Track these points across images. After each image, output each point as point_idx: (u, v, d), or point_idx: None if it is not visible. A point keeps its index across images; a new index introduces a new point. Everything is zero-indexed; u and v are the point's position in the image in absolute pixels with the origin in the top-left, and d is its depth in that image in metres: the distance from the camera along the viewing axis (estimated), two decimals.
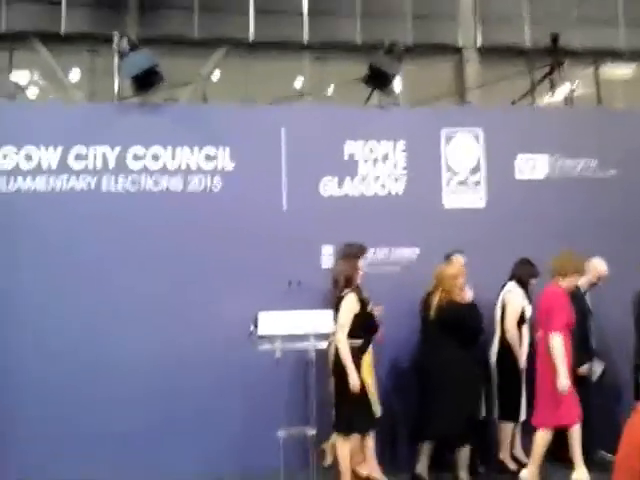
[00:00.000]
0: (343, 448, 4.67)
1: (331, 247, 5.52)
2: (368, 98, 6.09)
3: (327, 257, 5.55)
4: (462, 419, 4.81)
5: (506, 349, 5.21)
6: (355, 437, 4.78)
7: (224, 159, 5.58)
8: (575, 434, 4.75)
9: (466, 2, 10.79)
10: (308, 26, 11.35)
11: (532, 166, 5.92)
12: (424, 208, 5.72)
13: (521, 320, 5.27)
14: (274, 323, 4.20)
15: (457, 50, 9.77)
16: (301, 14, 11.32)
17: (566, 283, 4.88)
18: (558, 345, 4.64)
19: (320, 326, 4.27)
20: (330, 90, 9.66)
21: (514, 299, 5.28)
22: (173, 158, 5.54)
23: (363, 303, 4.72)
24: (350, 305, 4.67)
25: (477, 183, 5.85)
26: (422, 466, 4.94)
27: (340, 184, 5.67)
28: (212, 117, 5.77)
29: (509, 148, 5.88)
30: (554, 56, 7.98)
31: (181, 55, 10.17)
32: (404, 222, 5.63)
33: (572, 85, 7.70)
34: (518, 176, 5.90)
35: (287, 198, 5.55)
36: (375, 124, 5.77)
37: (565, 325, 4.73)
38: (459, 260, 5.27)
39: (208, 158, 5.58)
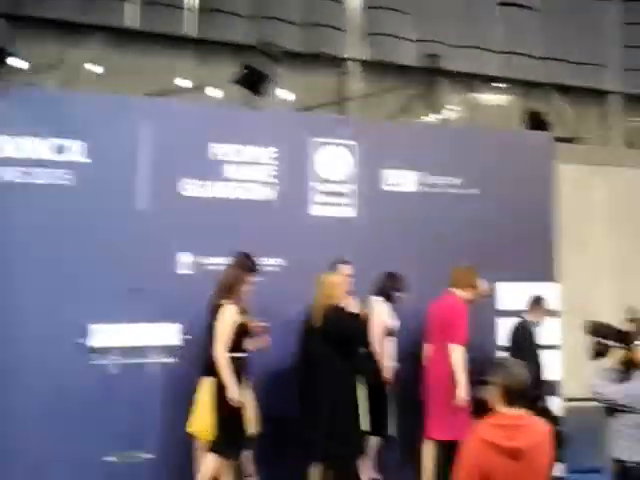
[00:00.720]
0: (209, 465, 4.48)
1: (189, 254, 5.23)
2: (253, 99, 5.86)
3: (183, 264, 5.23)
4: (349, 436, 4.71)
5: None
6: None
7: (78, 151, 5.14)
8: None
9: (354, 15, 10.87)
10: (197, 22, 10.98)
11: (401, 180, 5.93)
12: (291, 217, 5.58)
13: (386, 333, 5.26)
14: (108, 335, 3.84)
15: (341, 60, 9.79)
16: (190, 9, 10.94)
17: (464, 296, 5.02)
18: (460, 357, 4.65)
19: (163, 339, 3.97)
20: (210, 89, 9.35)
21: (378, 314, 5.28)
22: (19, 148, 5.03)
23: (244, 316, 4.58)
24: (229, 316, 4.51)
25: (347, 194, 5.78)
26: None
27: (203, 186, 5.40)
28: (69, 106, 5.30)
29: (379, 161, 5.87)
30: (432, 76, 8.20)
31: (53, 38, 9.50)
32: (270, 230, 5.44)
33: (448, 106, 7.92)
34: (387, 188, 5.88)
35: (143, 198, 5.19)
36: (246, 127, 5.57)
37: (465, 338, 4.84)
38: (344, 269, 5.21)
39: (61, 150, 5.12)
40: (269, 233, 5.42)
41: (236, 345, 4.52)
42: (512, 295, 6.14)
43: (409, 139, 6.04)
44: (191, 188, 5.37)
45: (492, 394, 2.99)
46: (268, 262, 5.44)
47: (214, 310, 4.57)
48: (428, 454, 4.87)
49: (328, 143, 5.76)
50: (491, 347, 5.99)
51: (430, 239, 5.85)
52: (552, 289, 6.33)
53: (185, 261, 5.24)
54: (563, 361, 6.31)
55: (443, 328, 4.95)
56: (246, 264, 4.83)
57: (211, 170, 5.43)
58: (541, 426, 2.98)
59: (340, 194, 5.76)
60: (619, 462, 4.17)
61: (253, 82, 5.63)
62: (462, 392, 4.71)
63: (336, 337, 4.78)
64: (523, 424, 2.89)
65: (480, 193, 6.17)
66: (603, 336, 4.79)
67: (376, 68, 9.90)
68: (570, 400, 6.31)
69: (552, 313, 6.25)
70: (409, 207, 5.89)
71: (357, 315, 4.94)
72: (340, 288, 4.88)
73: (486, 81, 10.86)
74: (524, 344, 5.75)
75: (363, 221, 5.74)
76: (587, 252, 9.71)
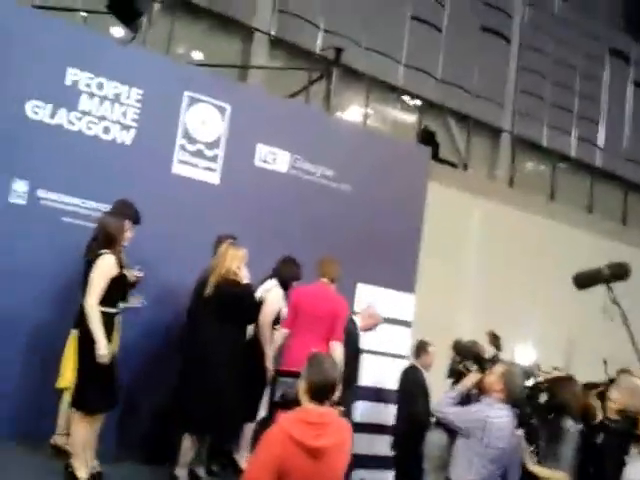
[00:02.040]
0: (80, 427, 4.08)
1: (24, 183, 4.68)
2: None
3: (17, 194, 4.68)
4: (223, 409, 4.41)
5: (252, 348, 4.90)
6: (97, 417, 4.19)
7: None
8: None
9: None
10: None
11: (273, 158, 5.63)
12: (151, 169, 5.15)
13: (275, 321, 4.97)
14: None
15: (249, 30, 9.39)
16: None
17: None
18: (341, 355, 4.57)
19: None
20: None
21: (273, 299, 4.96)
22: None
23: (122, 268, 4.21)
24: (106, 267, 4.11)
25: (214, 158, 5.39)
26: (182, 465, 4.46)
27: (54, 114, 4.85)
28: None
29: (253, 134, 5.54)
30: (334, 69, 8.00)
31: None
32: (123, 176, 5.01)
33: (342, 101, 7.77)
34: (257, 163, 5.57)
35: None
36: (113, 60, 5.08)
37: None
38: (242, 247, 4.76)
39: None
40: (121, 180, 4.98)
41: (110, 299, 4.14)
42: (369, 298, 6.01)
43: (290, 118, 5.78)
44: (41, 112, 4.80)
45: (300, 388, 2.84)
46: None
47: (92, 260, 4.16)
48: None
49: (200, 100, 5.37)
50: None
51: (294, 224, 5.62)
52: (408, 300, 6.27)
53: (19, 190, 4.70)
54: None
55: (325, 322, 4.67)
56: (129, 214, 4.47)
57: (66, 98, 4.89)
58: (344, 425, 2.85)
59: (206, 157, 5.37)
60: None
61: (123, 12, 5.08)
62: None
63: (229, 308, 4.49)
64: (328, 422, 2.74)
65: (351, 190, 6.00)
66: (464, 357, 4.76)
67: (281, 46, 9.62)
68: None
69: (406, 324, 6.22)
70: (277, 187, 5.63)
71: (250, 285, 4.64)
72: (240, 262, 4.57)
73: (385, 88, 10.85)
74: (415, 390, 5.55)
75: (226, 190, 5.38)
76: (451, 275, 9.86)
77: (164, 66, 5.42)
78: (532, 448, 4.56)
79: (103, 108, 5.03)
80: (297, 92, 8.05)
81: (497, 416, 4.03)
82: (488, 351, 5.49)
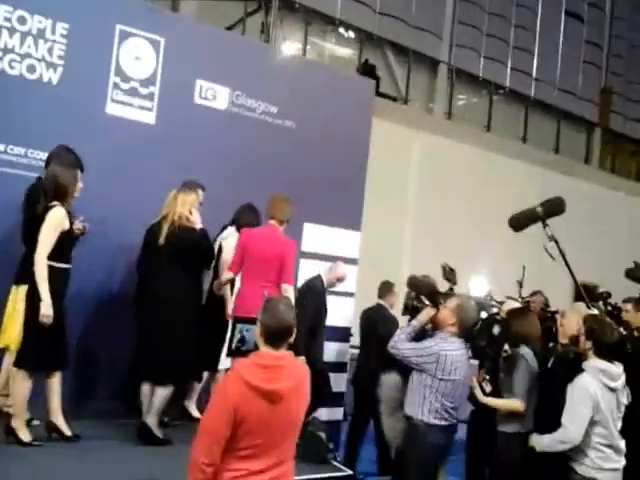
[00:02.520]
0: (23, 386, 3.89)
1: None
2: None
3: None
4: (179, 356, 4.32)
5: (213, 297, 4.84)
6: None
7: None
8: None
9: None
10: None
11: (212, 95, 5.37)
12: (82, 110, 4.81)
13: None
14: None
15: None
16: None
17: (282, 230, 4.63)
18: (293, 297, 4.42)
19: None
20: None
21: (231, 245, 4.76)
22: None
23: (71, 220, 4.03)
24: (56, 220, 3.91)
25: (149, 96, 5.09)
26: (148, 412, 4.35)
27: None
28: None
29: (191, 69, 5.26)
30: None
31: None
32: (53, 117, 4.69)
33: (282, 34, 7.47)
34: (197, 101, 5.30)
35: None
36: None
37: None
38: (199, 193, 4.62)
39: None
40: (50, 122, 4.66)
41: (62, 254, 3.95)
42: (316, 238, 5.96)
43: (229, 51, 5.49)
44: None
45: (256, 333, 2.76)
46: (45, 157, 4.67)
47: (42, 214, 3.94)
48: None
49: (133, 34, 5.02)
50: None
51: (236, 164, 5.42)
52: (355, 237, 6.24)
53: None
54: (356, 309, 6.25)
55: (274, 265, 4.48)
56: (77, 162, 4.23)
57: None
58: (301, 368, 2.80)
59: (141, 95, 5.07)
60: (407, 418, 4.20)
61: None
62: None
63: (185, 255, 4.35)
64: (283, 365, 2.66)
65: (296, 127, 5.82)
66: (419, 292, 4.73)
67: None
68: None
69: (353, 262, 6.20)
70: (217, 125, 5.38)
71: (205, 230, 4.50)
72: (191, 206, 4.44)
73: (323, 20, 10.53)
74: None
75: (162, 130, 5.12)
76: (395, 210, 9.90)
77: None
78: (486, 377, 4.63)
79: (26, 45, 4.64)
80: (233, 25, 7.70)
81: (450, 349, 4.09)
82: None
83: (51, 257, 3.88)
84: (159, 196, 4.64)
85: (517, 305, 5.37)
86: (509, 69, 13.72)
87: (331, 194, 5.90)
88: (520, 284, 5.90)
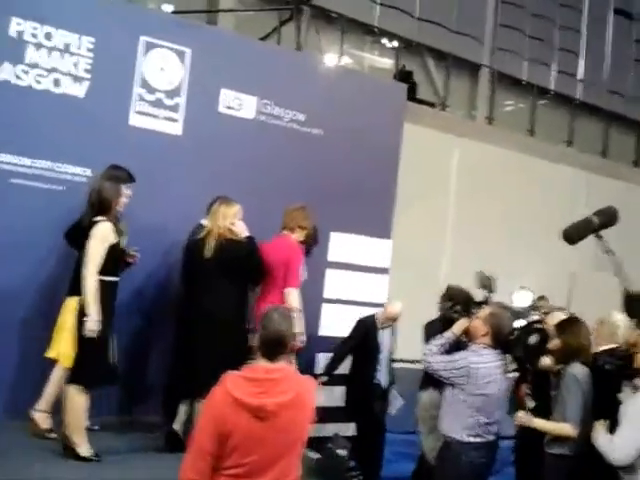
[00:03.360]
0: (80, 401, 3.87)
1: None
2: None
3: None
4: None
5: None
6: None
7: None
8: None
9: None
10: None
11: (238, 104, 5.29)
12: (107, 122, 4.79)
13: None
14: None
15: None
16: None
17: (295, 237, 4.69)
18: (296, 300, 4.45)
19: None
20: None
21: None
22: None
23: (119, 235, 4.07)
24: (103, 234, 3.95)
25: (174, 107, 5.04)
26: (179, 422, 4.32)
27: None
28: None
29: (215, 77, 5.21)
30: (302, 6, 7.55)
31: None
32: (77, 132, 4.67)
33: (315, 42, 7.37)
34: (221, 110, 5.23)
35: None
36: (60, 8, 4.66)
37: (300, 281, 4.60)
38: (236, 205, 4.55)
39: None
40: (75, 136, 4.66)
41: (108, 268, 3.95)
42: (344, 247, 5.79)
43: (255, 60, 5.40)
44: None
45: (256, 344, 2.62)
46: (72, 171, 4.67)
47: (88, 228, 3.98)
48: None
49: (158, 45, 4.98)
50: (317, 299, 5.61)
51: (263, 173, 5.32)
52: (385, 245, 6.05)
53: None
54: None
55: (279, 272, 4.54)
56: (122, 176, 4.22)
57: (11, 50, 4.51)
58: (300, 382, 2.60)
59: (166, 106, 5.02)
60: (443, 435, 3.98)
61: None
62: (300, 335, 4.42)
63: (234, 269, 4.30)
64: (276, 378, 2.48)
65: (323, 134, 5.68)
66: (455, 302, 4.50)
67: None
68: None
69: (383, 271, 6.01)
70: (243, 134, 5.30)
71: (253, 240, 4.42)
72: (232, 218, 4.39)
73: (361, 29, 10.38)
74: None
75: (189, 141, 5.05)
76: (431, 218, 9.65)
77: (116, 11, 4.96)
78: (528, 391, 4.36)
79: (52, 59, 4.64)
80: (267, 35, 7.63)
81: (482, 362, 3.83)
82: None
83: (100, 271, 3.91)
84: (187, 208, 4.65)
85: (563, 316, 5.09)
86: (554, 71, 13.29)
87: (360, 202, 5.73)
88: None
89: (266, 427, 2.42)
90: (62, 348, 4.05)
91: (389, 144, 6.06)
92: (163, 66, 5.01)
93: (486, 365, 3.82)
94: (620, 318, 4.03)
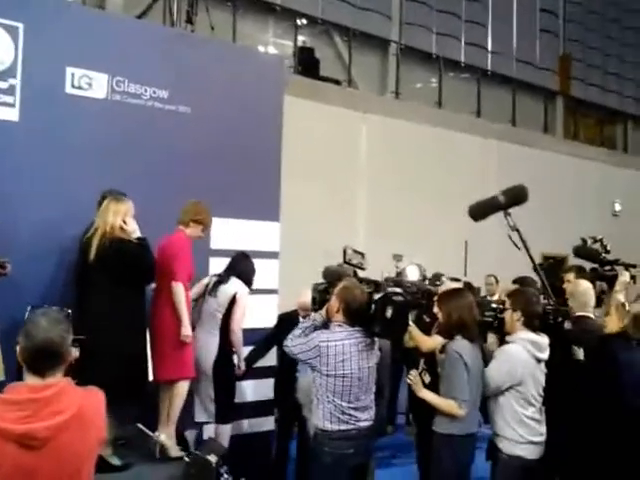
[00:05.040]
0: None
1: None
2: None
3: None
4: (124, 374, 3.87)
5: (227, 352, 4.55)
6: None
7: None
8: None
9: None
10: None
11: (87, 83, 4.61)
12: None
13: None
14: None
15: None
16: None
17: (188, 232, 4.44)
18: (181, 294, 4.21)
19: None
20: None
21: (244, 299, 4.59)
22: None
23: None
24: None
25: (9, 90, 4.34)
26: None
27: None
28: None
29: (56, 54, 4.51)
30: None
31: None
32: None
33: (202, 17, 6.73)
34: (67, 90, 4.54)
35: None
36: None
37: (188, 276, 4.35)
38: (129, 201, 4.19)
39: None
40: None
41: None
42: (228, 233, 5.21)
43: (105, 33, 4.71)
44: None
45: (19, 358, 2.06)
46: None
47: None
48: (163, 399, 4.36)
49: None
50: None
51: (123, 160, 4.67)
52: (273, 228, 5.50)
53: None
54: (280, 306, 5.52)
55: (165, 266, 4.25)
56: None
57: None
58: (81, 397, 2.04)
59: (1, 89, 4.31)
60: None
61: None
62: (186, 330, 4.23)
63: (121, 270, 3.93)
64: (46, 397, 1.95)
65: (191, 112, 5.06)
66: (330, 282, 4.08)
67: None
68: None
69: (273, 255, 5.48)
70: (95, 116, 4.62)
71: (144, 240, 4.05)
72: (124, 216, 4.03)
73: (262, 7, 9.78)
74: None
75: (29, 128, 4.36)
76: (344, 195, 9.18)
77: None
78: (425, 367, 3.99)
79: None
80: (143, 12, 6.92)
81: (332, 339, 3.38)
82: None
83: None
84: (34, 203, 4.15)
85: (455, 285, 4.73)
86: (463, 44, 12.99)
87: (240, 185, 5.17)
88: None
89: (38, 457, 1.92)
90: None
91: (269, 120, 5.47)
92: None
93: (338, 343, 3.38)
94: None
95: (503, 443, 3.51)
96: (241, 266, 4.73)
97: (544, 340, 3.58)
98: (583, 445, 3.58)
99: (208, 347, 4.51)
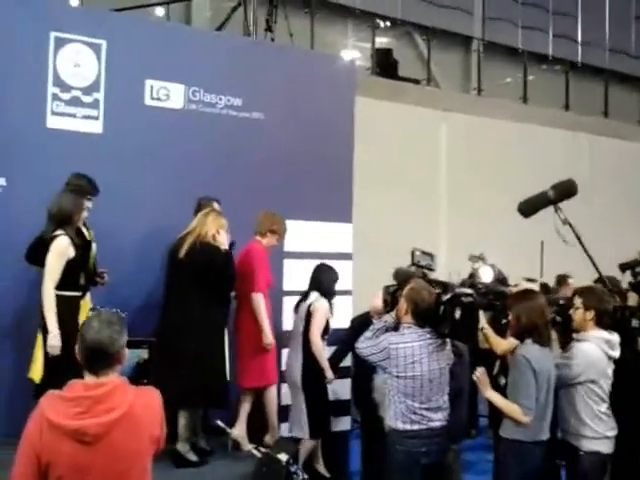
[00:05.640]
0: None
1: None
2: None
3: None
4: (207, 379, 4.03)
5: (312, 365, 4.58)
6: None
7: None
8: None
9: None
10: None
11: (165, 94, 4.80)
12: (21, 126, 4.37)
13: (325, 331, 4.67)
14: None
15: None
16: None
17: (264, 241, 4.60)
18: (261, 304, 4.38)
19: None
20: None
21: (320, 310, 4.61)
22: None
23: (79, 248, 3.89)
24: (60, 249, 3.80)
25: (94, 104, 4.59)
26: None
27: None
28: None
29: (135, 68, 4.73)
30: None
31: None
32: None
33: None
34: (146, 102, 4.75)
35: None
36: None
37: (266, 284, 4.50)
38: (215, 206, 4.48)
39: None
40: None
41: (67, 282, 3.82)
42: (302, 235, 5.26)
43: (180, 45, 4.90)
44: None
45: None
46: None
47: (48, 242, 3.83)
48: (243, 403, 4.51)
49: (70, 40, 4.52)
50: (277, 292, 5.10)
51: (202, 166, 4.86)
52: (346, 230, 5.50)
53: None
54: (355, 307, 5.51)
55: (244, 277, 4.43)
56: (84, 187, 4.08)
57: None
58: (135, 397, 2.12)
59: (84, 104, 4.57)
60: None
61: None
62: (267, 338, 4.41)
63: (204, 272, 4.09)
64: (100, 394, 2.04)
65: (265, 118, 5.15)
66: (400, 284, 4.08)
67: None
68: None
69: (346, 257, 5.48)
70: (173, 126, 4.81)
71: (230, 254, 4.23)
72: (220, 228, 4.21)
73: (339, 11, 9.79)
74: None
75: (111, 139, 4.60)
76: (425, 195, 9.03)
77: (23, 5, 4.48)
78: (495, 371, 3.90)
79: None
80: (222, 24, 7.11)
81: (402, 341, 3.39)
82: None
83: (60, 286, 3.78)
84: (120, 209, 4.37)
85: (531, 287, 4.54)
86: (551, 36, 12.47)
87: (314, 186, 5.22)
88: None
89: (93, 453, 2.00)
90: (35, 366, 3.87)
91: (340, 123, 5.48)
92: (77, 61, 4.55)
93: (407, 345, 3.39)
94: None
95: (580, 441, 3.43)
96: (321, 277, 4.77)
97: (616, 338, 3.48)
98: None
99: (295, 361, 4.64)
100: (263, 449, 3.91)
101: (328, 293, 4.72)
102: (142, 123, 4.70)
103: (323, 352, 4.63)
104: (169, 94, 4.83)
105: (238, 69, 5.06)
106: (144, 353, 3.51)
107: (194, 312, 4.09)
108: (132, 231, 4.55)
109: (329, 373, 4.65)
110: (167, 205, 4.59)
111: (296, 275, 5.15)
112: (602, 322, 3.45)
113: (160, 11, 9.07)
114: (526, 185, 9.55)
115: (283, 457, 3.64)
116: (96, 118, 4.60)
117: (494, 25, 11.80)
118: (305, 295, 4.74)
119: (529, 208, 4.05)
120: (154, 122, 4.74)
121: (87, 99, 4.58)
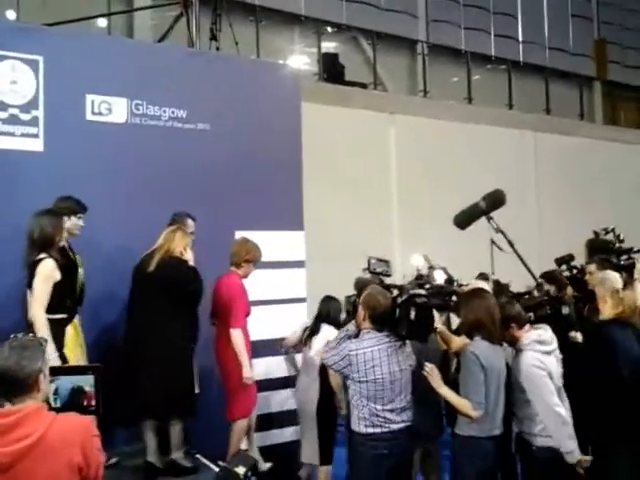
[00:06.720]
0: None
1: None
2: None
3: None
4: (170, 391, 3.96)
5: (328, 396, 4.61)
6: None
7: None
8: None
9: None
10: None
11: (107, 109, 4.71)
12: None
13: None
14: None
15: None
16: None
17: (240, 273, 4.59)
18: (239, 340, 4.37)
19: None
20: None
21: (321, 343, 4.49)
22: None
23: (66, 269, 3.81)
24: (47, 272, 3.71)
25: (32, 121, 4.48)
26: (151, 451, 4.07)
27: None
28: None
29: (75, 83, 4.62)
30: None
31: None
32: None
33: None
34: (87, 117, 4.66)
35: None
36: None
37: (245, 315, 4.51)
38: (189, 224, 4.50)
39: None
40: None
41: (53, 305, 3.73)
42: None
43: (119, 58, 4.82)
44: None
45: None
46: None
47: (32, 266, 3.73)
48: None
49: (7, 57, 4.40)
50: None
51: (147, 180, 4.77)
52: (298, 237, 5.50)
53: None
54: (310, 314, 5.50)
55: (223, 311, 4.48)
56: (65, 208, 3.99)
57: None
58: (53, 424, 2.05)
59: (23, 122, 4.45)
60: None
61: None
62: (247, 372, 4.38)
63: (172, 286, 4.06)
64: (8, 423, 1.99)
65: (211, 129, 5.11)
66: (358, 293, 4.13)
67: None
68: None
69: (299, 264, 5.49)
70: (116, 141, 4.71)
71: (194, 269, 4.19)
72: (187, 246, 4.20)
73: (285, 17, 9.80)
74: None
75: (53, 157, 4.48)
76: (376, 199, 9.09)
77: None
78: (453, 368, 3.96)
79: None
80: (163, 36, 7.01)
81: (362, 347, 3.44)
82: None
83: (48, 309, 3.69)
84: None
85: (482, 285, 4.61)
86: (492, 37, 12.75)
87: (263, 197, 5.20)
88: None
89: None
90: None
91: (288, 129, 5.48)
92: (14, 78, 4.43)
93: (367, 350, 3.44)
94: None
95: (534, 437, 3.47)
96: (328, 309, 4.77)
97: (547, 332, 3.53)
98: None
99: (310, 391, 4.64)
100: (221, 463, 3.88)
101: (336, 324, 4.69)
102: (84, 139, 4.60)
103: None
104: (111, 108, 4.74)
105: (181, 80, 5.01)
106: (87, 380, 3.36)
107: (160, 324, 4.04)
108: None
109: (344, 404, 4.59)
110: (113, 220, 4.50)
111: (251, 286, 5.13)
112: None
113: (102, 22, 8.96)
114: (476, 184, 9.80)
115: (241, 470, 3.61)
116: (36, 136, 4.48)
117: (438, 27, 12.00)
118: (314, 328, 4.73)
119: (463, 220, 4.19)
120: (97, 137, 4.65)
121: (25, 117, 4.46)
